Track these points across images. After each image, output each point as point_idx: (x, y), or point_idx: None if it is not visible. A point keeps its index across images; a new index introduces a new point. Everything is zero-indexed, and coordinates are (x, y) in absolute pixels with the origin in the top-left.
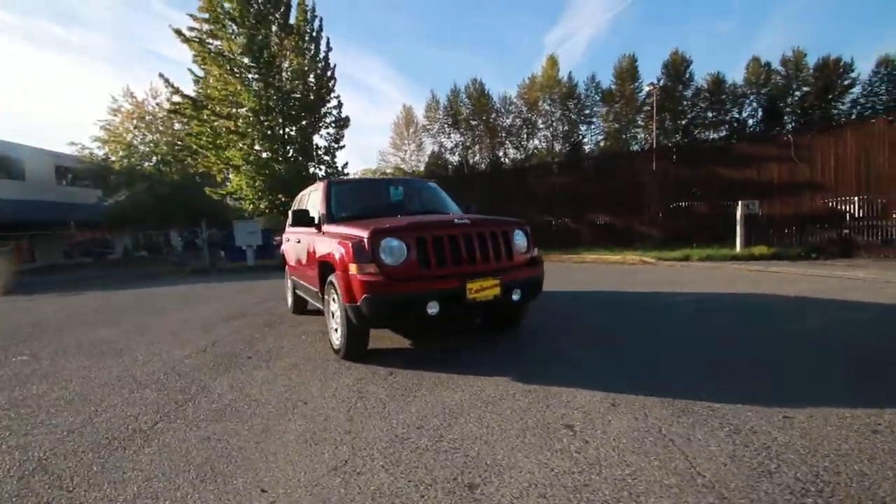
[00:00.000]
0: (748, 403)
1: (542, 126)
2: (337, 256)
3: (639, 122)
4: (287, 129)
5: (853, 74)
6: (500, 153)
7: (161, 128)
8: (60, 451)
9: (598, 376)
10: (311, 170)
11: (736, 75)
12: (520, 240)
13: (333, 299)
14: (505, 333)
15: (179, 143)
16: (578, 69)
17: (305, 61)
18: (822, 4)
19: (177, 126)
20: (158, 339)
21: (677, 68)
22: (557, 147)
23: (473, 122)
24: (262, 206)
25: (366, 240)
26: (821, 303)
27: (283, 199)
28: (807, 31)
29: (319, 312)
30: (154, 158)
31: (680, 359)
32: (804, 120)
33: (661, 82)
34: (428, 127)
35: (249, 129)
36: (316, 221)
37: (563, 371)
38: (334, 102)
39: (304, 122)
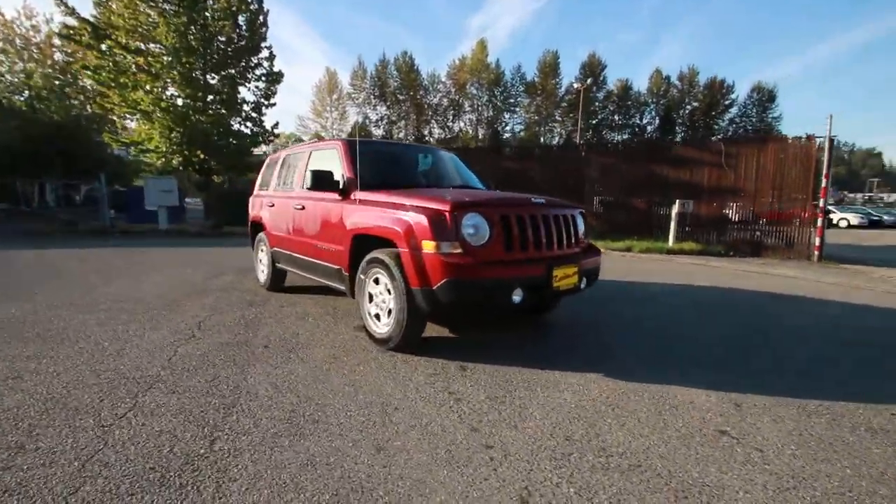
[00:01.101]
0: (858, 401)
1: (468, 109)
2: (401, 230)
3: (556, 116)
4: (209, 76)
5: (733, 96)
6: (426, 131)
7: (37, 56)
8: None
9: (686, 372)
10: (236, 126)
11: (641, 84)
12: (581, 224)
13: (377, 280)
14: (525, 322)
15: (62, 76)
16: (500, 58)
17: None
18: (713, 31)
19: (58, 56)
20: (112, 318)
21: (594, 70)
22: (481, 132)
23: (401, 97)
24: (174, 161)
25: (447, 213)
26: (807, 301)
27: (201, 157)
28: (701, 51)
29: (302, 289)
30: (26, 92)
31: (757, 356)
32: (691, 131)
33: (581, 82)
34: (353, 95)
35: (164, 70)
36: (340, 186)
37: (645, 367)
38: (266, 53)
39: (230, 71)
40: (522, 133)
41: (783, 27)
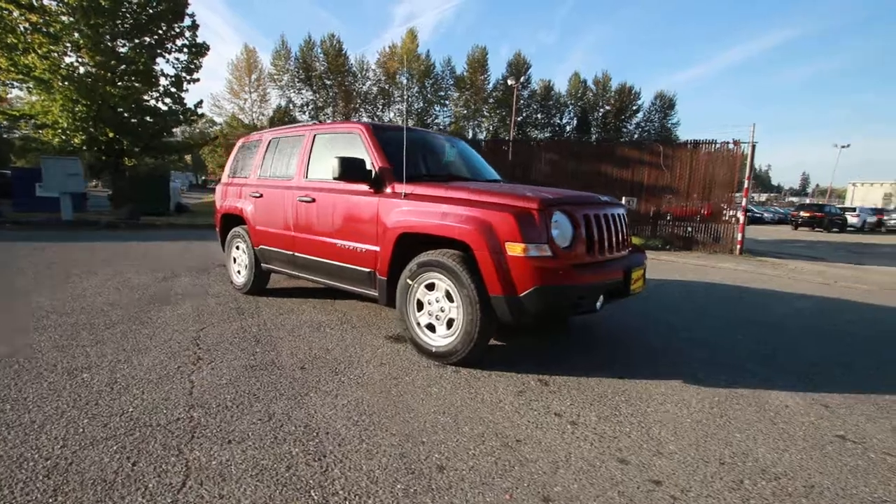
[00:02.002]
0: None
1: (398, 99)
2: (477, 230)
3: (484, 112)
4: (119, 43)
5: (639, 101)
6: (355, 119)
7: None
8: None
9: (744, 369)
10: (153, 102)
11: (561, 85)
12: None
13: (430, 286)
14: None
15: None
16: (429, 50)
17: None
18: (622, 41)
19: None
20: (71, 338)
21: (519, 69)
22: (411, 123)
23: (328, 82)
24: (76, 140)
25: (536, 211)
26: (788, 295)
27: (109, 136)
28: (613, 58)
29: (288, 291)
30: None
31: (787, 350)
32: (604, 133)
33: (515, 79)
34: (276, 77)
35: (65, 32)
36: (373, 177)
37: (699, 367)
38: (188, 22)
39: (147, 39)
40: (451, 126)
41: (677, 44)
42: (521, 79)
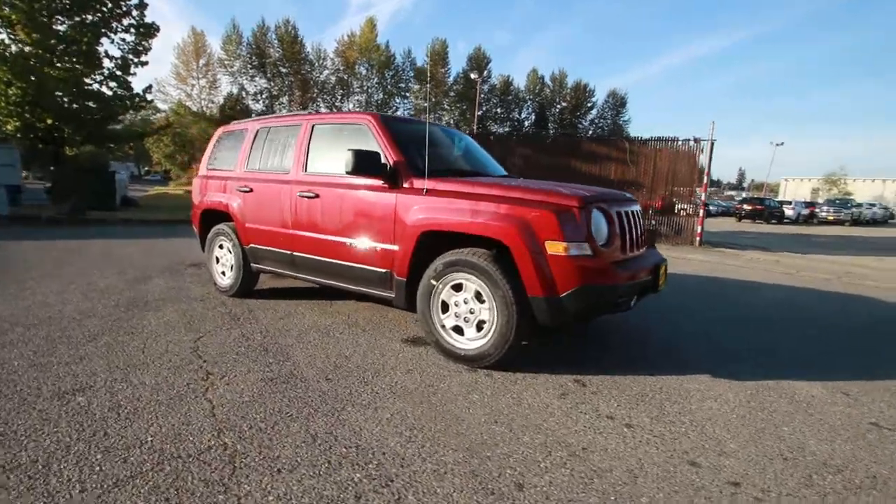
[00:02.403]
0: None
1: (357, 89)
2: (513, 228)
3: (445, 105)
4: (57, 21)
5: (594, 99)
6: (312, 109)
7: None
8: None
9: (760, 363)
10: (97, 86)
11: (520, 81)
12: None
13: (457, 287)
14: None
15: None
16: (383, 40)
17: None
18: (578, 40)
19: None
20: (45, 353)
21: (480, 63)
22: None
23: (284, 70)
24: (9, 126)
25: (577, 209)
26: (762, 286)
27: (48, 123)
28: (566, 55)
29: (278, 293)
30: None
31: (790, 338)
32: (561, 128)
33: (478, 73)
34: (227, 62)
35: None
36: (388, 171)
37: (713, 359)
38: (136, 0)
39: (89, 17)
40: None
41: (628, 43)
42: (483, 73)
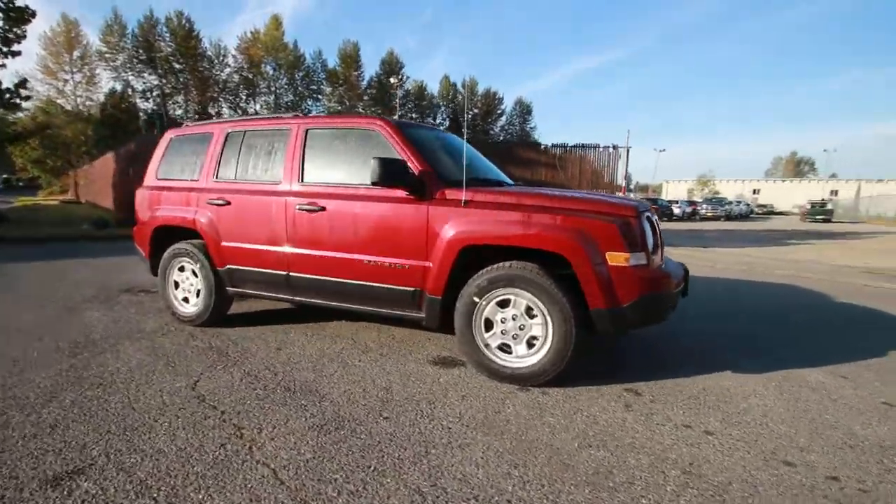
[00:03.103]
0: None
1: (265, 89)
2: (574, 240)
3: (360, 108)
4: None
5: (503, 107)
6: (213, 110)
7: None
8: None
9: (770, 353)
10: None
11: (433, 87)
12: None
13: (503, 303)
14: None
15: None
16: (291, 39)
17: None
18: (484, 46)
19: None
20: (9, 399)
21: (393, 68)
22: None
23: (178, 66)
24: None
25: (633, 218)
26: (704, 279)
27: None
28: (476, 64)
29: (252, 318)
30: None
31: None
32: (474, 135)
33: (396, 78)
34: (107, 56)
35: None
36: (415, 181)
37: (730, 353)
38: None
39: None
40: None
41: (529, 55)
42: (399, 77)
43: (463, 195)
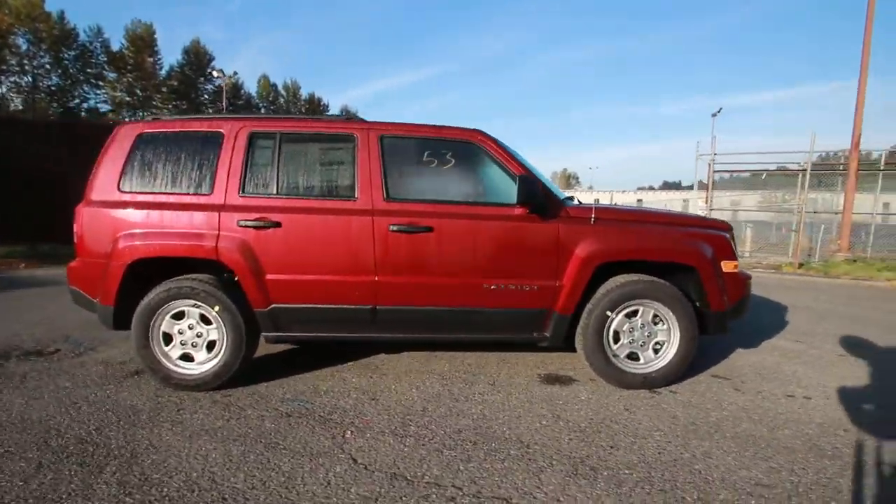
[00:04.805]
0: None
1: (14, 67)
2: (704, 252)
3: (156, 101)
4: None
5: (328, 113)
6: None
7: None
8: None
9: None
10: None
11: (251, 87)
12: None
13: (631, 314)
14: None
15: None
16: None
17: None
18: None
19: None
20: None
21: (200, 59)
22: (48, 105)
23: None
24: None
25: (730, 231)
26: None
27: None
28: (292, 67)
29: (266, 371)
30: None
31: None
32: None
33: (182, 69)
34: None
35: None
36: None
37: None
38: None
39: None
40: (111, 114)
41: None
42: (205, 71)
43: (592, 213)
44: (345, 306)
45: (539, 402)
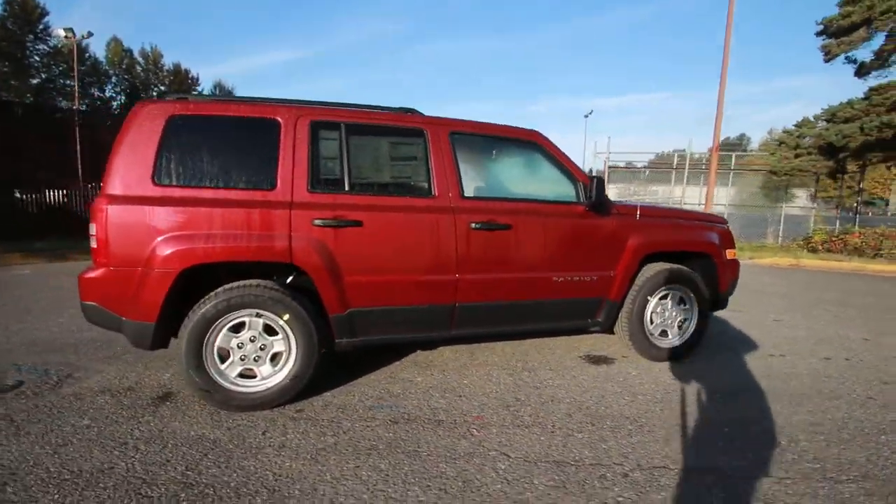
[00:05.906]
0: None
1: None
2: (716, 242)
3: None
4: None
5: (199, 87)
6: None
7: None
8: None
9: None
10: None
11: (98, 51)
12: None
13: (663, 297)
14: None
15: None
16: None
17: None
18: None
19: None
20: None
21: (28, 12)
22: None
23: None
24: None
25: (728, 224)
26: None
27: None
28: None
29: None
30: None
31: None
32: None
33: (3, 23)
34: None
35: None
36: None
37: None
38: None
39: None
40: None
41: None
42: (35, 27)
43: (638, 210)
44: (425, 306)
45: (603, 381)
